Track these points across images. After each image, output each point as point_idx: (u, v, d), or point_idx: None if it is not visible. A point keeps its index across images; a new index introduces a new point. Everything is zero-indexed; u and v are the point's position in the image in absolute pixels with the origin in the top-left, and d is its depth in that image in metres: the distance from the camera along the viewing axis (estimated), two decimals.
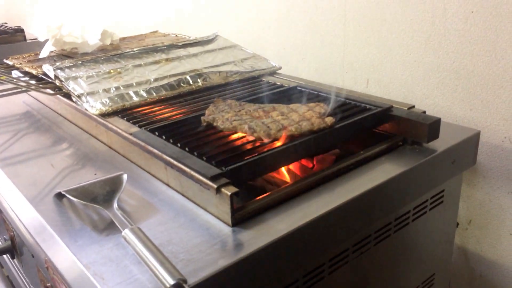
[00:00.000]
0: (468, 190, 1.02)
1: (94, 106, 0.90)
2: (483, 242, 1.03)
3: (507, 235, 0.99)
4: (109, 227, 0.62)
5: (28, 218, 0.69)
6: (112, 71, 1.03)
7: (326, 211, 0.62)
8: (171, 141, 0.74)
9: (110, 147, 0.88)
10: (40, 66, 1.09)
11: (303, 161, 0.82)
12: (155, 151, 0.71)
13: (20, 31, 2.30)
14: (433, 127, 0.78)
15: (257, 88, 1.04)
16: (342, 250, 0.69)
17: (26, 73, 1.17)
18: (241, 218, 0.61)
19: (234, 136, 0.76)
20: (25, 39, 2.29)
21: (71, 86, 0.96)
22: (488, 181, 0.98)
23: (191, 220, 0.63)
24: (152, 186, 0.73)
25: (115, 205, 0.64)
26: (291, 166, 0.80)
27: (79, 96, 0.93)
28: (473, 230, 1.04)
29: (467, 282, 1.09)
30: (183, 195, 0.69)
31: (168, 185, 0.72)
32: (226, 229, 0.60)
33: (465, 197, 1.02)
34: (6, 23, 2.68)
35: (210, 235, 0.59)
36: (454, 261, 1.08)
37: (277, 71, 1.17)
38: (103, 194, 0.67)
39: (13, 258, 0.90)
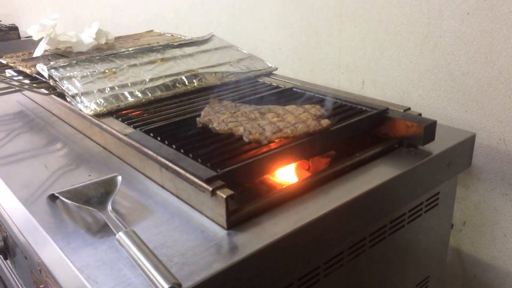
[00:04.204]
0: (462, 191, 1.02)
1: (89, 106, 0.90)
2: (478, 243, 1.03)
3: (502, 237, 0.99)
4: (103, 230, 0.62)
5: (21, 220, 0.69)
6: (107, 70, 1.02)
7: (321, 214, 0.62)
8: (166, 143, 0.74)
9: (104, 148, 0.87)
10: (34, 66, 1.08)
11: (299, 162, 0.82)
12: (150, 152, 0.71)
13: (14, 29, 2.28)
14: (429, 129, 0.78)
15: (253, 89, 1.04)
16: (337, 253, 0.69)
17: (20, 72, 1.16)
18: (236, 221, 0.61)
19: (230, 137, 0.76)
20: (19, 37, 2.27)
21: (65, 86, 0.95)
22: (482, 182, 0.99)
23: (186, 223, 0.62)
24: (146, 188, 0.72)
25: (109, 207, 0.64)
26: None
27: (73, 96, 0.92)
28: (467, 232, 1.05)
29: (461, 284, 1.09)
30: (178, 197, 0.68)
31: (163, 187, 0.72)
32: (221, 232, 0.60)
33: (460, 198, 1.03)
34: (0, 20, 2.66)
35: (205, 238, 0.59)
36: (448, 262, 1.08)
37: (273, 72, 1.17)
38: (97, 196, 0.66)
39: (6, 259, 0.89)
